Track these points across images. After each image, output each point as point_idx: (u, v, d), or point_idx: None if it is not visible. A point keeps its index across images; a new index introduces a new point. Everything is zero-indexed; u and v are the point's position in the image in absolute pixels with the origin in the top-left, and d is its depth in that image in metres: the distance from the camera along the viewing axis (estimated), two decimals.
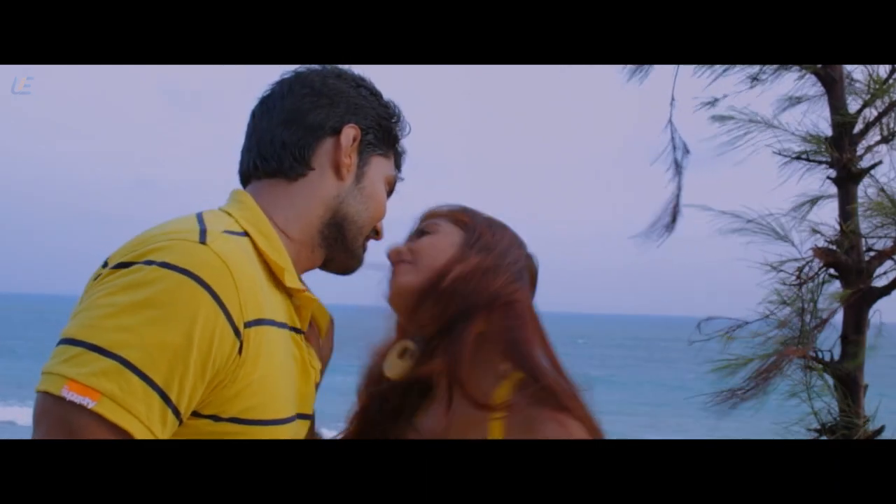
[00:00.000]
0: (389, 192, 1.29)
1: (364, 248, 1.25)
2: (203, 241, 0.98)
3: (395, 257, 1.31)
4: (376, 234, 1.27)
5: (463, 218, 1.34)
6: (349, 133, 1.19)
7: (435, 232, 1.32)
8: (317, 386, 1.22)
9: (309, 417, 1.18)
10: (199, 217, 1.06)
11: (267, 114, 1.20)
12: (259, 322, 1.01)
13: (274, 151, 1.17)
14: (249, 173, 1.20)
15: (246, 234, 1.09)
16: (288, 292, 1.13)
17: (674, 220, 2.85)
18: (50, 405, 0.90)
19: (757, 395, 2.55)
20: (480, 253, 1.28)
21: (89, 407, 0.88)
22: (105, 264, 1.00)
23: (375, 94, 1.26)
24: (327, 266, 1.24)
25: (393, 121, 1.27)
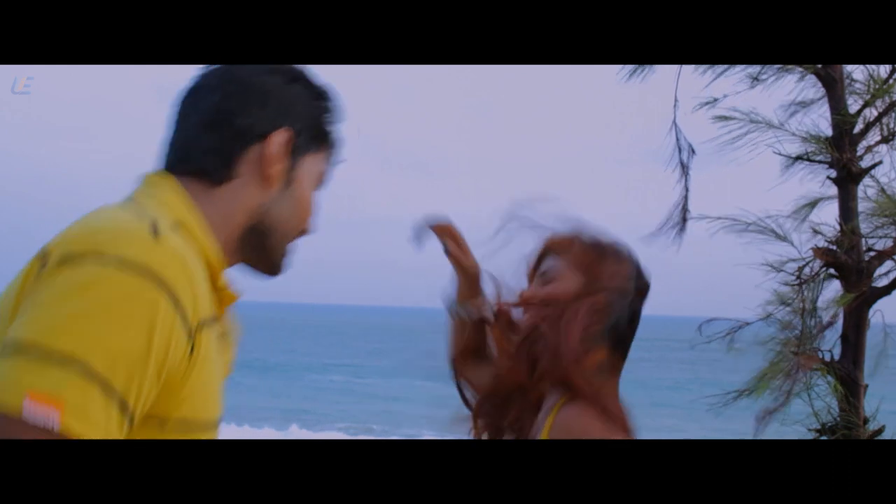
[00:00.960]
0: (323, 183, 1.21)
1: (287, 252, 1.18)
2: (155, 234, 0.93)
3: (523, 302, 1.42)
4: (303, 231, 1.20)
5: (586, 260, 1.41)
6: (277, 140, 1.10)
7: (556, 279, 1.41)
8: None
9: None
10: (140, 205, 1.01)
11: (193, 109, 1.11)
12: (204, 323, 0.98)
13: (196, 155, 1.09)
14: (169, 169, 1.11)
15: (182, 226, 1.03)
16: (213, 287, 1.07)
17: (684, 222, 2.85)
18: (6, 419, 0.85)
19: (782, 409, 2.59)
20: (596, 295, 1.38)
21: (51, 419, 0.84)
22: (44, 254, 0.92)
23: (311, 88, 1.16)
24: (250, 265, 1.17)
25: (327, 116, 1.18)
